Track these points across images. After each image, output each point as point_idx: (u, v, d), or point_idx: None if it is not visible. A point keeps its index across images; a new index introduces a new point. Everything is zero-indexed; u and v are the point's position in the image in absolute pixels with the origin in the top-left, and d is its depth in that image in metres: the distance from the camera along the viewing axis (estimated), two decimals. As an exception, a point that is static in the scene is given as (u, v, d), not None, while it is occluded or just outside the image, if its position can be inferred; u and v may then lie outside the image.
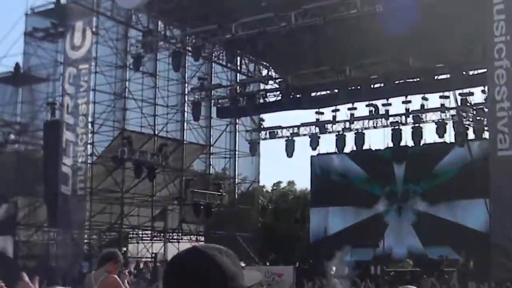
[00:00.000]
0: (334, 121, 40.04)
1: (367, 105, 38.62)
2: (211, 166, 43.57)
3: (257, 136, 43.08)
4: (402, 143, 37.75)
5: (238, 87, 40.59)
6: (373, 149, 39.37)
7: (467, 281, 27.12)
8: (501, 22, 27.17)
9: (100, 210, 37.83)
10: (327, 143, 40.97)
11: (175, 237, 40.85)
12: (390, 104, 38.16)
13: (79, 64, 35.58)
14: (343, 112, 39.70)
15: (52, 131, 36.14)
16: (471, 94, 34.75)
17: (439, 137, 36.27)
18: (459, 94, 34.21)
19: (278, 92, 39.87)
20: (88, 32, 35.79)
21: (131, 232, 40.77)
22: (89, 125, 35.88)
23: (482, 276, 26.01)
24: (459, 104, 34.22)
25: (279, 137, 41.69)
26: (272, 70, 41.15)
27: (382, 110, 38.57)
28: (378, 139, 43.04)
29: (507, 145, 26.62)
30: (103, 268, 8.93)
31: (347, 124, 39.87)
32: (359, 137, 38.78)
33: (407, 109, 37.96)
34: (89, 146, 35.79)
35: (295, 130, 40.85)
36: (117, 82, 37.90)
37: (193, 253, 2.36)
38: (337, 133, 39.66)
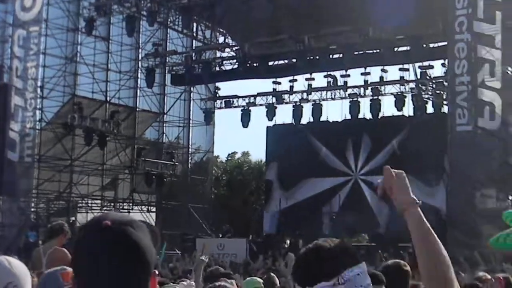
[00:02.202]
0: (291, 91, 40.04)
1: (325, 76, 38.43)
2: (164, 135, 43.38)
3: (212, 105, 42.93)
4: (360, 116, 37.79)
5: (193, 54, 40.30)
6: (330, 121, 39.23)
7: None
8: (463, -5, 27.47)
9: (48, 178, 37.44)
10: (284, 114, 41.01)
11: (125, 207, 40.49)
12: (348, 76, 38.01)
13: (29, 26, 34.71)
14: (301, 82, 39.79)
15: (0, 95, 35.55)
16: (431, 67, 34.86)
17: (398, 110, 36.33)
18: (419, 67, 34.48)
19: (234, 60, 39.50)
20: (39, -7, 35.50)
21: (80, 201, 40.48)
22: (38, 89, 35.28)
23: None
24: (419, 77, 34.56)
25: (234, 107, 41.65)
26: (229, 37, 40.72)
27: (340, 82, 38.38)
28: (335, 111, 43.19)
29: (466, 120, 26.87)
30: (52, 241, 8.78)
31: (305, 95, 39.82)
32: (317, 109, 38.69)
33: (365, 81, 37.95)
34: (38, 112, 35.30)
35: (252, 99, 40.79)
36: (68, 46, 37.42)
37: (106, 233, 2.22)
38: (294, 104, 39.62)
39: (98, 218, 2.30)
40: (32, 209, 36.35)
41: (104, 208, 39.90)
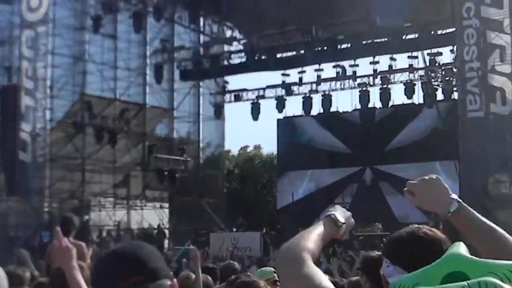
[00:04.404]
0: (300, 83, 39.95)
1: (334, 66, 38.54)
2: (174, 131, 43.00)
3: (221, 99, 43.05)
4: (370, 105, 37.81)
5: (201, 49, 40.57)
6: (341, 111, 39.30)
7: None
8: (470, -20, 27.33)
9: (60, 177, 36.96)
10: (294, 106, 41.41)
11: (138, 204, 40.45)
12: (357, 65, 38.06)
13: (36, 26, 34.39)
14: (310, 73, 39.62)
15: (10, 96, 34.60)
16: (440, 54, 34.72)
17: (408, 98, 36.36)
18: (428, 54, 34.33)
19: (242, 54, 39.68)
20: (45, -7, 35.14)
21: (93, 200, 39.68)
22: (48, 89, 35.02)
23: (451, 239, 26.02)
24: (428, 64, 34.33)
25: (244, 100, 41.72)
26: (236, 31, 40.83)
27: (349, 71, 38.44)
28: (345, 101, 43.17)
29: (477, 106, 26.81)
30: (68, 237, 8.75)
31: (314, 86, 39.73)
32: (326, 99, 38.68)
33: (374, 70, 37.83)
34: (48, 112, 35.03)
35: (261, 92, 40.71)
36: (76, 45, 37.10)
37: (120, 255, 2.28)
38: (303, 96, 39.60)
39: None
40: (46, 209, 36.01)
41: (117, 206, 39.68)
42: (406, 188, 3.03)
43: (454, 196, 3.00)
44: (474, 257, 1.86)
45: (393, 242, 2.90)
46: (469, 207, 3.00)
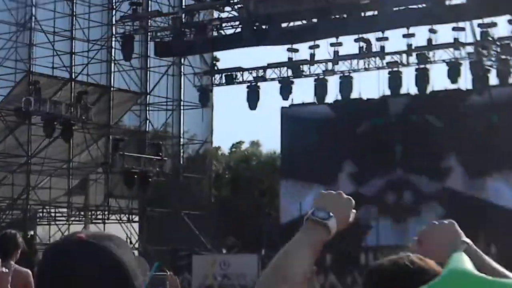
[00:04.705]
0: (312, 61, 39.07)
1: (356, 40, 37.62)
2: (147, 122, 42.62)
3: (209, 82, 42.25)
4: (403, 91, 37.30)
5: (183, 16, 39.54)
6: (364, 98, 38.56)
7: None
8: None
9: (-2, 180, 35.78)
10: (303, 91, 40.92)
11: (99, 217, 40.09)
12: (386, 39, 37.28)
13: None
14: (324, 49, 38.56)
15: None
16: (494, 25, 34.50)
17: (452, 82, 35.98)
18: (478, 25, 34.23)
19: (237, 23, 38.88)
20: None
21: (41, 210, 39.95)
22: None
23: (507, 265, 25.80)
24: (478, 38, 34.10)
25: (238, 83, 40.95)
26: (230, -9, 38.62)
27: (376, 47, 37.59)
28: (370, 85, 41.48)
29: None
30: (9, 260, 8.77)
31: (330, 65, 39.06)
32: (346, 83, 38.09)
33: (409, 45, 37.19)
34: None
35: (260, 73, 40.23)
36: (20, 9, 37.11)
37: (80, 247, 2.30)
38: (316, 77, 38.96)
39: (69, 234, 2.39)
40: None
41: (72, 219, 39.54)
42: (415, 238, 3.05)
43: (467, 240, 2.97)
44: (480, 275, 2.18)
45: (373, 272, 3.00)
46: (478, 250, 2.97)
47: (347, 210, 2.93)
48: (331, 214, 2.86)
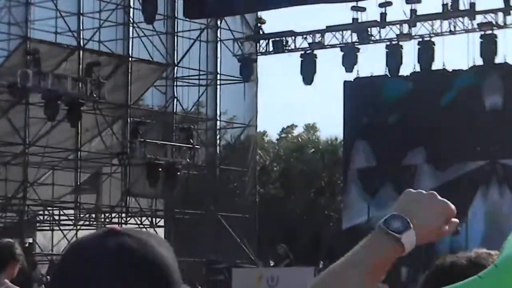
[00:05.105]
0: (383, 22, 38.23)
1: (437, -6, 35.52)
2: (175, 100, 41.05)
3: (252, 49, 41.17)
4: (499, 59, 36.52)
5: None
6: (449, 70, 37.77)
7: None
8: None
9: (-12, 175, 35.10)
10: (372, 61, 41.46)
11: (115, 220, 38.70)
12: (477, -8, 35.21)
13: None
14: (398, 5, 37.65)
15: None
16: None
17: None
18: None
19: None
20: None
21: (41, 212, 39.47)
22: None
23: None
24: None
25: (289, 51, 40.01)
26: None
27: (464, 4, 36.57)
28: (456, 52, 41.22)
29: None
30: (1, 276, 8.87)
31: (405, 28, 37.99)
32: (426, 50, 37.11)
33: (506, 1, 36.41)
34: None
35: (318, 38, 39.25)
36: None
37: (115, 238, 2.14)
38: (388, 43, 38.19)
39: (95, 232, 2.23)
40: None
41: (80, 223, 38.30)
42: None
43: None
44: None
45: (446, 270, 3.09)
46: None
47: (438, 220, 2.36)
48: (410, 224, 2.32)
